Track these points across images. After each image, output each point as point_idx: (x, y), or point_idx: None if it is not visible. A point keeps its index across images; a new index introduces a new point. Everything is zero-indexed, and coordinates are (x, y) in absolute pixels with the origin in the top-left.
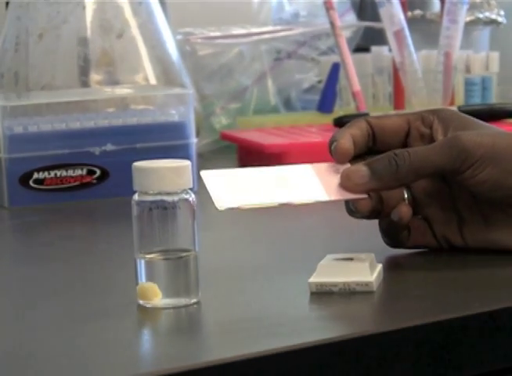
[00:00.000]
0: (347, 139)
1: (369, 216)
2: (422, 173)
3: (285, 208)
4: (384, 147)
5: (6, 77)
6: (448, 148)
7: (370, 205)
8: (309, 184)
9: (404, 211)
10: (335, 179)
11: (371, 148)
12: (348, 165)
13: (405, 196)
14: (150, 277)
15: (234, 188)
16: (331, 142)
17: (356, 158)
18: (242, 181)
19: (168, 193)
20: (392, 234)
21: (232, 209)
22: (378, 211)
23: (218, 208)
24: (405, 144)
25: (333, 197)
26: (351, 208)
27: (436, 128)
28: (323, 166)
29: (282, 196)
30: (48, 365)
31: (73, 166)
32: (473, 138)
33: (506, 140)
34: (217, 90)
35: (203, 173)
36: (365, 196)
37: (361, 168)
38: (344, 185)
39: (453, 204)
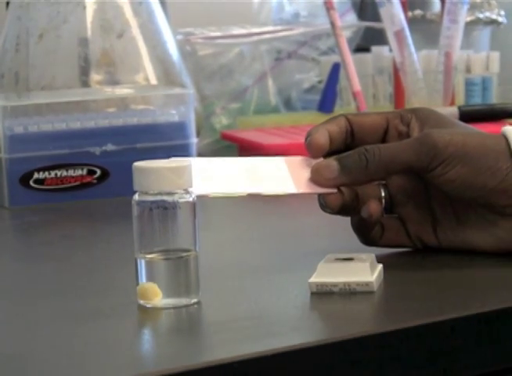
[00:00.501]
0: (323, 134)
1: (341, 212)
2: (392, 169)
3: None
4: (362, 144)
5: (7, 78)
6: (418, 145)
7: (340, 200)
8: (280, 176)
9: (373, 207)
10: (306, 173)
11: (349, 145)
12: (322, 160)
13: (382, 194)
14: (151, 277)
15: (206, 176)
16: (306, 136)
17: (334, 154)
18: (214, 170)
19: (169, 193)
20: (363, 231)
21: (201, 196)
22: (351, 207)
23: None
24: (383, 142)
25: (302, 190)
26: (323, 203)
27: (413, 126)
28: (296, 159)
29: (251, 186)
30: (48, 365)
31: (74, 166)
32: (443, 136)
33: (477, 139)
34: (217, 90)
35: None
36: (334, 190)
37: (331, 163)
38: (314, 179)
39: (428, 203)
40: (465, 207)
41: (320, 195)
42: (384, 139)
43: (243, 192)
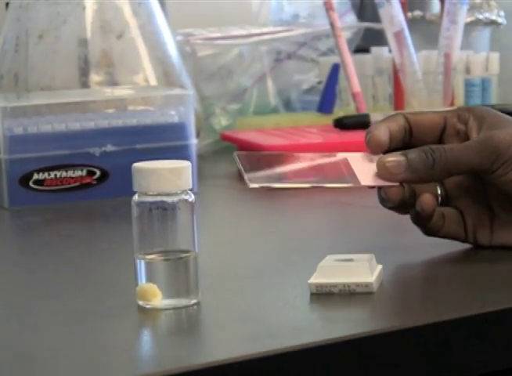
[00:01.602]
0: (383, 131)
1: (400, 206)
2: (455, 171)
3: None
4: (419, 143)
5: (6, 78)
6: (481, 147)
7: (401, 194)
8: (342, 170)
9: (425, 201)
10: (368, 167)
11: (407, 143)
12: (384, 155)
13: (438, 191)
14: (150, 278)
15: (266, 168)
16: (367, 133)
17: (392, 152)
18: (275, 162)
19: (168, 194)
20: (421, 223)
21: (263, 187)
22: (409, 203)
23: (249, 186)
24: (440, 141)
25: (365, 183)
26: (383, 196)
27: (471, 125)
28: (358, 155)
29: (314, 179)
30: (48, 365)
31: (73, 167)
32: (505, 137)
33: None
34: (217, 91)
35: (237, 153)
36: (396, 184)
37: (398, 158)
38: (380, 172)
39: (486, 199)
40: None
41: (381, 188)
42: (440, 138)
43: (305, 184)
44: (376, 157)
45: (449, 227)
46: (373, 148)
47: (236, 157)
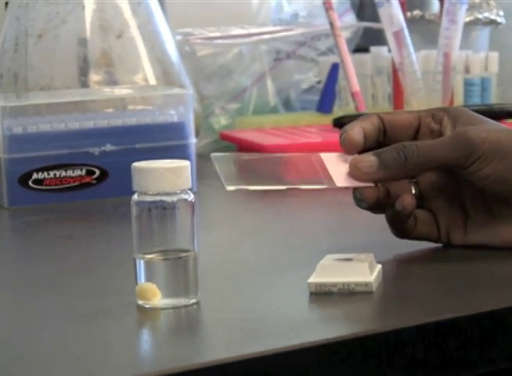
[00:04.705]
0: (358, 131)
1: (375, 206)
2: (429, 166)
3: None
4: (394, 143)
5: (5, 78)
6: (455, 142)
7: (377, 194)
8: (318, 170)
9: (407, 200)
10: (343, 168)
11: (381, 143)
12: (358, 155)
13: (413, 191)
14: (149, 277)
15: (243, 170)
16: (341, 132)
17: (366, 152)
18: (251, 164)
19: (167, 194)
20: (397, 224)
21: (241, 189)
22: (383, 203)
23: (227, 189)
24: (414, 140)
25: (340, 184)
26: (358, 197)
27: (445, 124)
28: (333, 155)
29: (290, 180)
30: (47, 365)
31: (73, 166)
32: (479, 133)
33: (511, 136)
34: (216, 90)
35: (213, 155)
36: (371, 184)
37: (370, 158)
38: (353, 173)
39: (459, 198)
40: (498, 202)
41: (356, 189)
42: (415, 138)
43: (281, 186)
44: (350, 157)
45: (421, 229)
46: (348, 148)
47: (213, 159)
